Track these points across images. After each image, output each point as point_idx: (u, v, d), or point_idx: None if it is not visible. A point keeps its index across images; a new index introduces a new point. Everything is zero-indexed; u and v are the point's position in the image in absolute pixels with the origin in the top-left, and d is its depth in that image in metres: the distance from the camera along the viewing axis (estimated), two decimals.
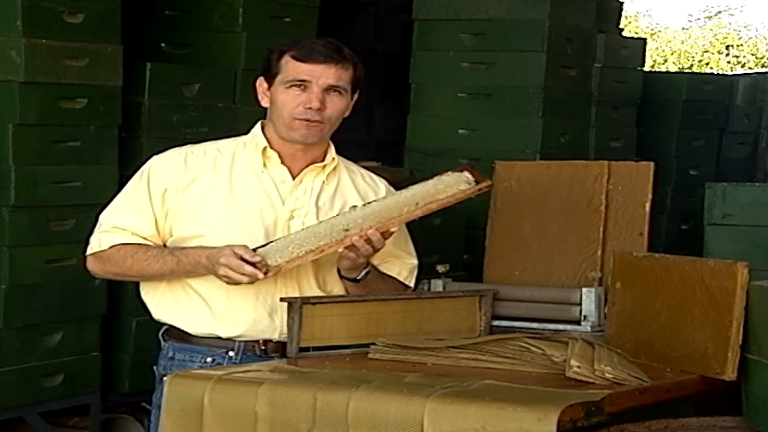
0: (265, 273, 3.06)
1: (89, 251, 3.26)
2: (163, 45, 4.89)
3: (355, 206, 3.21)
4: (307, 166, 3.23)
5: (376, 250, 3.15)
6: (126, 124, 4.38)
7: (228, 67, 4.72)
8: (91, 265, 3.27)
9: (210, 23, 4.81)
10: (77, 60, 4.16)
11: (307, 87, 3.15)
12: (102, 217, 3.27)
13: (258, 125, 3.27)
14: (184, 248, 3.15)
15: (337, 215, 3.18)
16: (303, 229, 3.14)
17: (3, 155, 4.04)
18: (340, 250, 3.11)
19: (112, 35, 4.27)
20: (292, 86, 3.16)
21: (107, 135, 4.31)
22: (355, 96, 3.29)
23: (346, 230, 3.13)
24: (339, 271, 3.23)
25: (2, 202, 4.05)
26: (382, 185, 3.38)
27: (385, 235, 3.15)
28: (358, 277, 3.22)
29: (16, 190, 4.05)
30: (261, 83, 3.23)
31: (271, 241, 3.12)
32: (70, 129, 4.20)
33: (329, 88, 3.17)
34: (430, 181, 3.30)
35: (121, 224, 3.20)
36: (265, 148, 3.21)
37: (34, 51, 4.03)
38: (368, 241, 3.11)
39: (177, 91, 4.52)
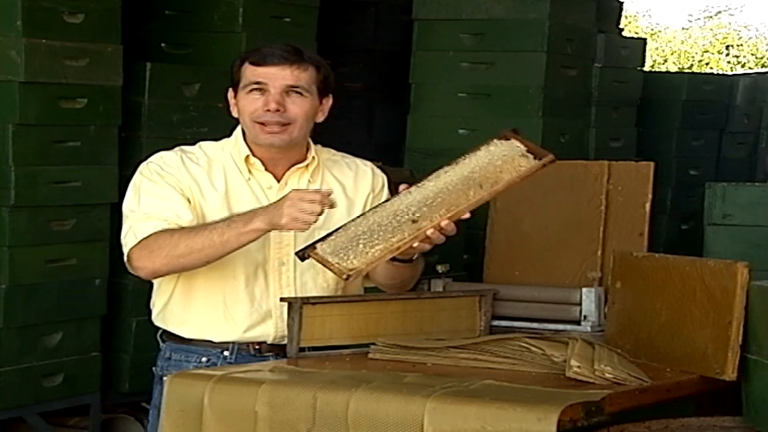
0: (347, 278, 2.95)
1: (127, 248, 3.12)
2: (163, 45, 4.89)
3: (408, 188, 3.08)
4: (288, 169, 3.22)
5: (448, 239, 3.08)
6: (126, 124, 4.38)
7: (228, 67, 4.70)
8: (137, 260, 3.10)
9: (210, 23, 4.81)
10: (77, 60, 4.16)
11: (265, 90, 3.14)
12: (130, 217, 3.15)
13: (239, 129, 3.25)
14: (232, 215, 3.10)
15: (393, 199, 3.08)
16: (359, 217, 3.04)
17: (3, 155, 4.04)
18: (416, 244, 3.02)
19: (112, 35, 4.27)
20: (251, 90, 3.16)
21: (107, 135, 4.31)
22: (328, 100, 3.25)
23: (414, 221, 3.00)
24: None
25: (2, 202, 4.05)
26: (367, 168, 3.35)
27: (457, 223, 3.05)
28: (414, 258, 3.17)
29: (16, 190, 4.05)
30: (230, 94, 3.23)
31: (328, 235, 3.00)
32: (70, 129, 4.20)
33: (288, 90, 3.14)
34: (481, 153, 3.16)
35: (155, 212, 3.11)
36: (247, 156, 3.20)
37: (34, 51, 4.03)
38: (441, 230, 3.02)
39: (177, 91, 4.52)
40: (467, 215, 3.06)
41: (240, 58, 3.23)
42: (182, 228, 3.08)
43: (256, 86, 3.15)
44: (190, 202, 3.15)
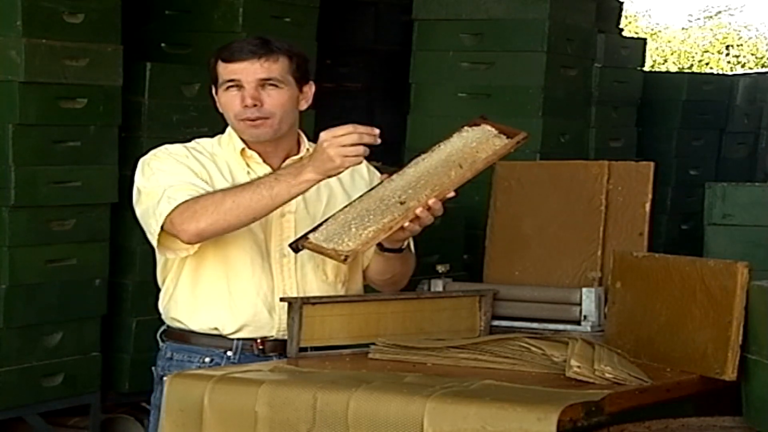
0: (344, 260, 2.98)
1: (163, 217, 3.02)
2: (163, 45, 4.89)
3: (389, 176, 3.16)
4: (284, 161, 3.22)
5: (436, 219, 3.12)
6: (126, 124, 4.38)
7: None
8: (181, 223, 3.00)
9: (210, 23, 4.81)
10: (77, 60, 4.15)
11: (240, 86, 3.15)
12: (149, 195, 3.08)
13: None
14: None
15: (376, 187, 3.13)
16: (347, 207, 3.08)
17: (3, 155, 4.03)
18: (406, 224, 3.06)
19: (112, 35, 4.27)
20: (228, 88, 3.16)
21: (107, 135, 4.31)
22: (309, 86, 3.24)
23: (402, 203, 3.07)
24: (380, 245, 3.18)
25: (2, 202, 4.05)
26: (361, 164, 3.36)
27: (443, 201, 3.10)
28: (404, 247, 3.20)
29: (16, 190, 4.05)
30: (213, 91, 3.24)
31: (319, 225, 3.05)
32: (70, 129, 4.19)
33: (263, 83, 3.14)
34: (454, 139, 3.25)
35: (184, 181, 3.07)
36: (243, 149, 3.21)
37: (34, 51, 4.03)
38: (429, 209, 3.07)
39: (177, 91, 4.51)
40: (452, 194, 3.12)
41: (213, 56, 3.23)
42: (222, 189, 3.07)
43: (231, 83, 3.16)
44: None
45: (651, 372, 2.91)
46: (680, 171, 6.24)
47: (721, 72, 17.41)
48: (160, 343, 3.28)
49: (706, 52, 19.90)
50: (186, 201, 3.03)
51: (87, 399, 4.41)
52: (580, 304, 3.59)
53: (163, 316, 3.29)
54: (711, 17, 21.02)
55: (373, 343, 3.11)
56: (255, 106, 3.13)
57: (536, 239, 3.82)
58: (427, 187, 3.10)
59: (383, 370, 2.93)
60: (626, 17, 13.58)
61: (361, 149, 2.95)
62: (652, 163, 3.79)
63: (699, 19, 21.29)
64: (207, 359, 3.18)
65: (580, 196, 3.79)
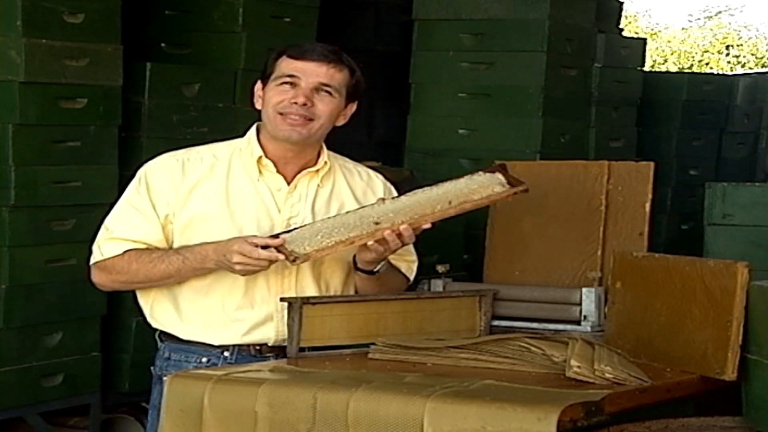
0: (293, 261, 3.04)
1: (92, 261, 3.24)
2: (163, 45, 4.89)
3: (383, 198, 3.21)
4: (300, 171, 3.23)
5: (404, 246, 3.15)
6: (126, 124, 4.38)
7: (228, 67, 4.72)
8: (96, 276, 3.25)
9: (210, 23, 4.81)
10: (77, 60, 4.15)
11: (296, 84, 3.15)
12: (103, 226, 3.25)
13: (253, 129, 3.25)
14: (188, 246, 3.14)
15: (366, 206, 3.18)
16: (330, 218, 3.14)
17: (3, 155, 4.03)
18: (370, 243, 3.11)
19: (112, 35, 4.27)
20: (282, 83, 3.16)
21: (107, 135, 4.31)
22: (352, 106, 3.27)
23: (377, 223, 3.11)
24: (355, 264, 3.22)
25: (2, 202, 4.05)
26: (378, 181, 3.38)
27: (417, 231, 3.14)
28: (376, 270, 3.22)
29: (16, 190, 4.05)
30: (258, 86, 3.24)
31: (296, 228, 3.11)
32: (70, 129, 4.19)
33: (319, 88, 3.16)
34: (462, 180, 3.29)
35: (124, 234, 3.18)
36: (260, 158, 3.20)
37: (34, 51, 4.03)
38: (399, 235, 3.11)
39: (177, 91, 4.51)
40: (428, 225, 3.16)
41: (278, 51, 3.24)
42: (145, 250, 3.15)
43: (288, 79, 3.16)
44: (173, 214, 3.17)
45: (651, 372, 2.91)
46: (680, 171, 6.24)
47: (721, 72, 17.41)
48: (159, 343, 3.28)
49: (706, 52, 19.90)
50: (107, 259, 3.19)
51: (87, 399, 4.41)
52: (580, 304, 3.59)
53: (152, 325, 3.29)
54: (711, 17, 21.03)
55: (373, 343, 3.11)
56: (305, 105, 3.13)
57: (536, 239, 3.82)
58: (407, 214, 3.16)
59: (383, 370, 2.93)
60: (626, 17, 13.58)
61: (262, 263, 3.06)
62: (652, 163, 3.79)
63: (699, 19, 21.32)
64: (204, 359, 3.19)
65: (580, 196, 3.79)
